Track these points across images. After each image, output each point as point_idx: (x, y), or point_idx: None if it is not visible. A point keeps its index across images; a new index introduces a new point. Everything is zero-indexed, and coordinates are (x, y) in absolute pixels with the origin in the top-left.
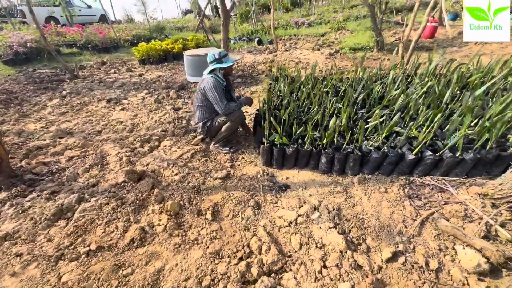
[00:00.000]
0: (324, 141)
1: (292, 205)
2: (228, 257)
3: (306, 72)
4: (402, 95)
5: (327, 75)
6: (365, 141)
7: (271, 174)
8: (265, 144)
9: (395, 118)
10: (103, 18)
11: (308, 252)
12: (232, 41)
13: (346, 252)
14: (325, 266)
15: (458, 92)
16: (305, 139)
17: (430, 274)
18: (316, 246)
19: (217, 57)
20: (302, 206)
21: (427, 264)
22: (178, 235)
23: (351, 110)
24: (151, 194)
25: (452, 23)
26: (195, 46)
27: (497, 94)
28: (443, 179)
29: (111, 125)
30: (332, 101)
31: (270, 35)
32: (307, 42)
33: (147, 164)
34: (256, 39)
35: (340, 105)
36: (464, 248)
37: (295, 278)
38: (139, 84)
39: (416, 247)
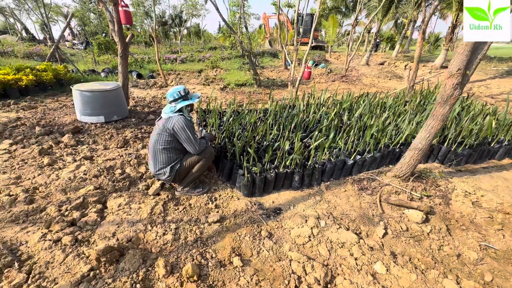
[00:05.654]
0: (291, 163)
1: (298, 223)
2: None
3: (219, 104)
4: (325, 120)
5: (236, 108)
6: (315, 157)
7: (258, 202)
8: (246, 175)
9: (331, 136)
10: None
11: (337, 253)
12: (102, 74)
13: (359, 242)
14: (355, 258)
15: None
16: (275, 163)
17: (404, 233)
18: (340, 247)
19: (182, 94)
20: (307, 221)
21: (401, 228)
22: None
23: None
24: (151, 269)
25: (313, 68)
26: (53, 78)
27: (374, 114)
28: (369, 172)
29: None
30: (273, 129)
31: (145, 68)
32: (190, 78)
33: (113, 235)
34: (134, 73)
35: (289, 133)
36: (408, 210)
37: (344, 278)
38: None
39: (388, 220)
